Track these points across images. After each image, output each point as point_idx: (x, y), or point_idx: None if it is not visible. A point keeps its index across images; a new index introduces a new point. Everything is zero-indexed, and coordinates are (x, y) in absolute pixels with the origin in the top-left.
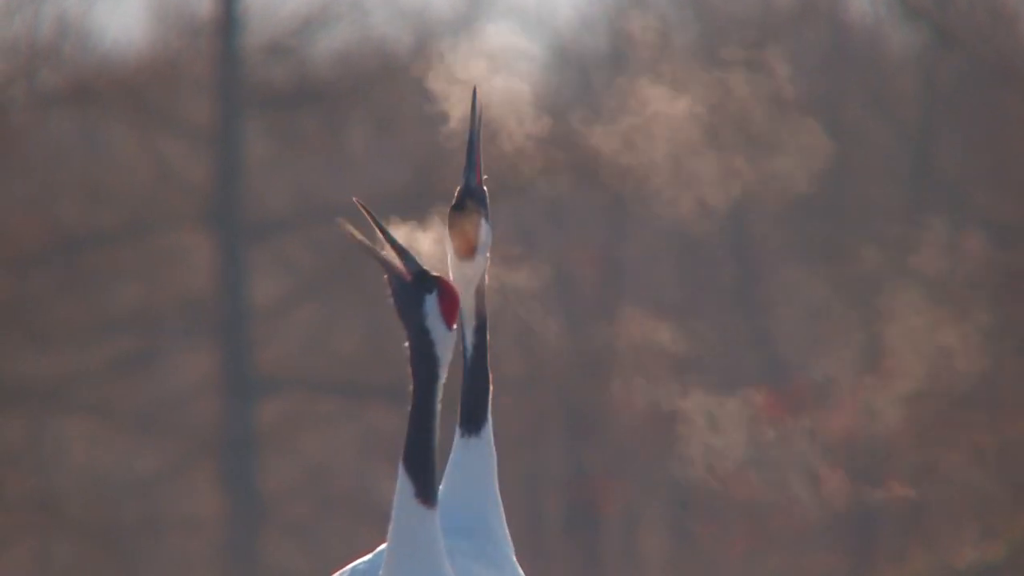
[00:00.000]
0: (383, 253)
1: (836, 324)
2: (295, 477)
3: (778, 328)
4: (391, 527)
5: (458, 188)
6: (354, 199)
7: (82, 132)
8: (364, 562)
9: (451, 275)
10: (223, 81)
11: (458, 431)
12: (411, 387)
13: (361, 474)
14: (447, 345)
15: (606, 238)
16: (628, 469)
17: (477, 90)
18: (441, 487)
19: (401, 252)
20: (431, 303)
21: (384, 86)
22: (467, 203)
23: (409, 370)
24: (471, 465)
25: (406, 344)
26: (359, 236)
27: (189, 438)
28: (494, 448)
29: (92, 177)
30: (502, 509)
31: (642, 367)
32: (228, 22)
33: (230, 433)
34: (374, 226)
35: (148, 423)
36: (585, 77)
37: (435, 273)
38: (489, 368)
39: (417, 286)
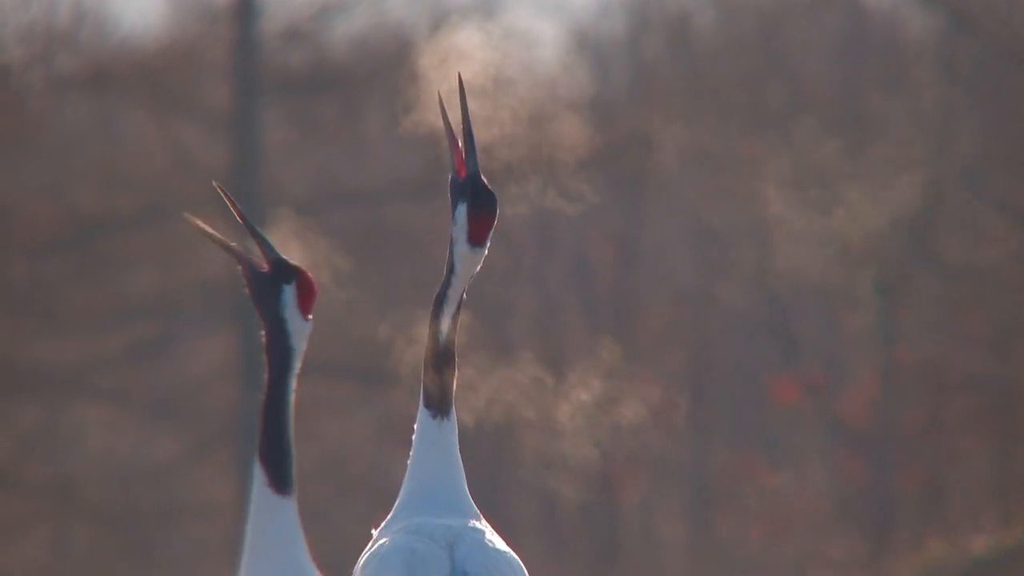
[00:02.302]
0: (233, 245)
1: (853, 310)
2: (313, 462)
3: (795, 314)
4: (249, 516)
5: (470, 174)
6: (214, 183)
7: (99, 117)
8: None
9: (458, 260)
10: (240, 66)
11: (427, 412)
12: (265, 376)
13: (379, 459)
14: (303, 336)
15: (624, 224)
16: (645, 456)
17: (460, 75)
18: (416, 468)
19: (260, 240)
20: (289, 293)
21: (401, 71)
22: (491, 191)
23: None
24: (446, 445)
25: (263, 334)
26: (209, 230)
27: (206, 424)
28: None
29: (109, 162)
30: None
31: (659, 353)
32: (245, 7)
33: (247, 419)
34: (235, 213)
35: (165, 409)
36: (603, 61)
37: (294, 263)
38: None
39: (275, 276)
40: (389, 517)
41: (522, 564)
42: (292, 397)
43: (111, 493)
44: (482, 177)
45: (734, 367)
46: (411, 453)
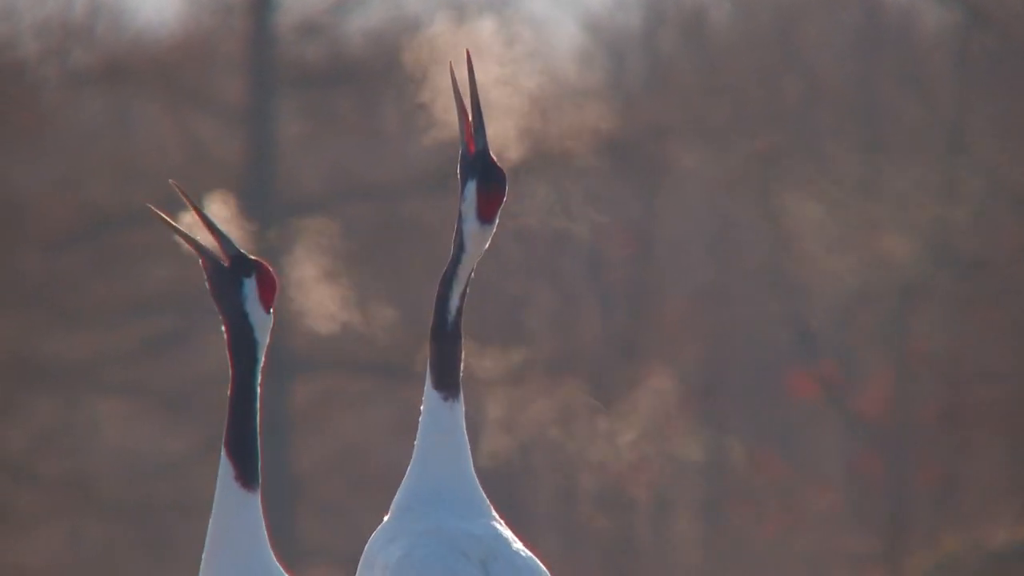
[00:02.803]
0: (196, 238)
1: (868, 305)
2: (329, 457)
3: (811, 308)
4: (213, 510)
5: (479, 151)
6: (171, 182)
7: (114, 111)
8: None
9: (468, 237)
10: (256, 60)
11: (438, 395)
12: (231, 372)
13: (395, 453)
14: (266, 329)
15: (640, 217)
16: (660, 450)
17: (469, 52)
18: (427, 457)
19: (219, 235)
20: (250, 287)
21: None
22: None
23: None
24: (457, 429)
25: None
26: (170, 221)
27: (222, 418)
28: None
29: (124, 156)
30: None
31: (674, 348)
32: (261, 1)
33: (264, 413)
34: (192, 209)
35: (181, 403)
36: (618, 54)
37: (253, 257)
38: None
39: (235, 270)
40: (401, 506)
41: (545, 569)
42: (258, 391)
43: (126, 487)
44: (491, 154)
45: (750, 362)
46: (419, 438)
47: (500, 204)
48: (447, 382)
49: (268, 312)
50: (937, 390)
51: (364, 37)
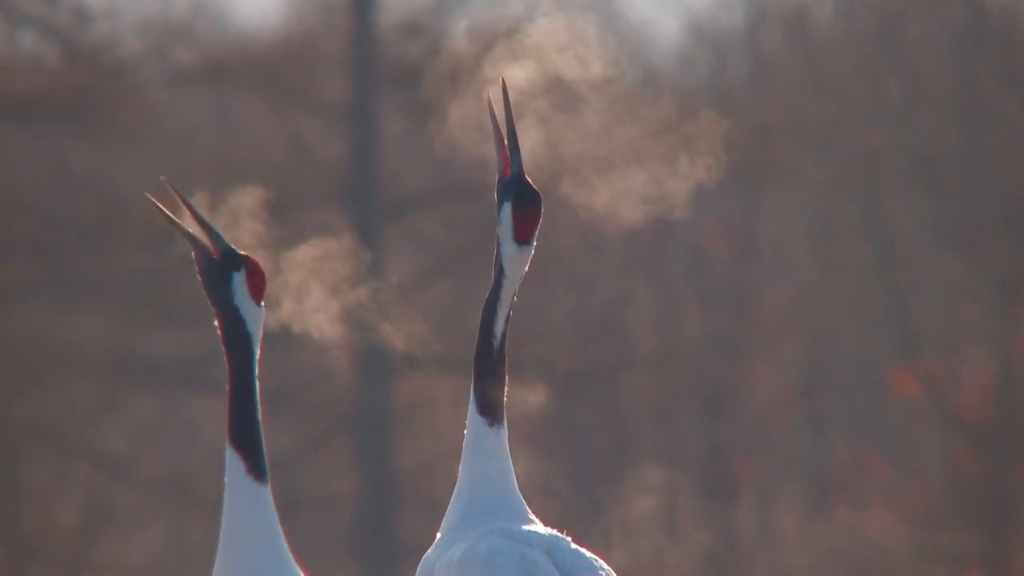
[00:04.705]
0: (190, 230)
1: (970, 303)
2: (431, 454)
3: (913, 307)
4: (225, 505)
5: (513, 175)
6: (162, 178)
7: (216, 110)
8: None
9: (506, 259)
10: (358, 58)
11: (483, 421)
12: (228, 368)
13: None
14: (258, 321)
15: (742, 217)
16: (763, 447)
17: (504, 81)
18: (476, 479)
19: (209, 230)
20: (239, 280)
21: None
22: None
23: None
24: (502, 452)
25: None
26: (167, 212)
27: (323, 416)
28: None
29: (226, 155)
30: None
31: (776, 346)
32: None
33: (365, 411)
34: (182, 204)
35: (283, 401)
36: (721, 54)
37: (242, 252)
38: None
39: (225, 263)
40: (453, 524)
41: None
42: (257, 383)
43: None
44: (526, 177)
45: (852, 360)
46: (464, 464)
47: (536, 225)
48: (492, 408)
49: (259, 305)
50: None
51: (465, 35)
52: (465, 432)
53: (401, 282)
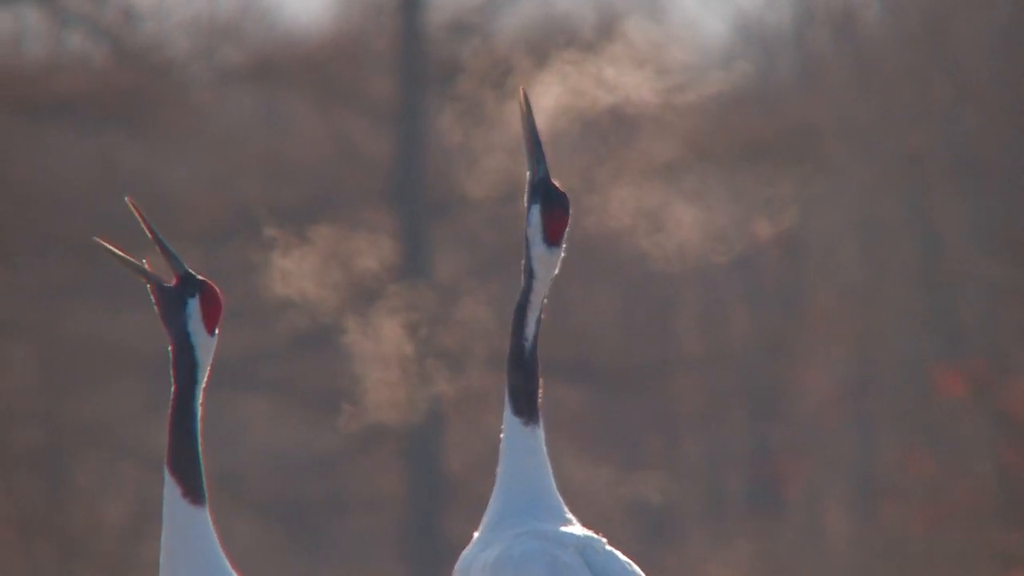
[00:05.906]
0: (139, 264)
1: (1017, 302)
2: (479, 455)
3: (959, 306)
4: (163, 529)
5: (539, 178)
6: (126, 199)
7: (264, 109)
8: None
9: (536, 261)
10: (406, 58)
11: (518, 421)
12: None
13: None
14: (208, 349)
15: (790, 215)
16: (810, 447)
17: (524, 91)
18: (514, 479)
19: (169, 255)
20: (193, 307)
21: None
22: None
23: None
24: (539, 452)
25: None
26: (115, 251)
27: (371, 417)
28: None
29: (274, 154)
30: None
31: (823, 346)
32: None
33: (413, 411)
34: (144, 226)
35: (331, 401)
36: (768, 53)
37: (200, 277)
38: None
39: (180, 289)
40: (491, 523)
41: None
42: (199, 410)
43: (277, 486)
44: (552, 180)
45: (899, 359)
46: (502, 464)
47: (565, 227)
48: (526, 408)
49: (212, 334)
50: None
51: (515, 35)
52: (502, 433)
53: (448, 281)
